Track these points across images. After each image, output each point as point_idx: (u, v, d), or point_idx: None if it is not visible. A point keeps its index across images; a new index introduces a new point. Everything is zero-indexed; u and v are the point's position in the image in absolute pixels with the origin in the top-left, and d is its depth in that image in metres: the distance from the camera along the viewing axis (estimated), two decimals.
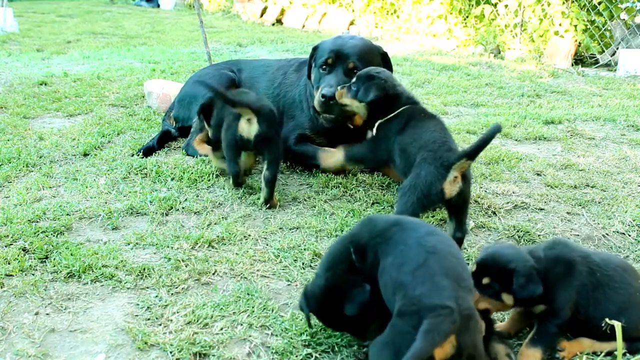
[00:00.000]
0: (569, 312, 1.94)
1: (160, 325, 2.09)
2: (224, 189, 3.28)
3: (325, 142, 3.57)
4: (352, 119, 3.41)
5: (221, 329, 2.07)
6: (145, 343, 1.98)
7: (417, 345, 1.49)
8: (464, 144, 4.14)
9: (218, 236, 2.73)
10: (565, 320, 1.94)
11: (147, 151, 3.81)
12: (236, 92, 3.53)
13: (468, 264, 2.32)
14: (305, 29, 11.56)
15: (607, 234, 2.88)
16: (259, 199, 3.13)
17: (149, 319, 2.13)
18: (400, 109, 2.90)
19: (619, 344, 1.80)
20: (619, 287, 1.97)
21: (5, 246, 2.58)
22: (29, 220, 2.82)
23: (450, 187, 2.48)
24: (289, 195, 3.23)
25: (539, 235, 2.84)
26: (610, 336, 1.89)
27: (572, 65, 7.71)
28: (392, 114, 2.89)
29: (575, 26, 7.76)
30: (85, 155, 3.77)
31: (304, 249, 2.63)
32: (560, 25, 7.86)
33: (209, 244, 2.67)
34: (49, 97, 5.25)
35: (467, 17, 9.26)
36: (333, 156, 3.38)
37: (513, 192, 3.32)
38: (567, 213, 3.09)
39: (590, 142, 4.32)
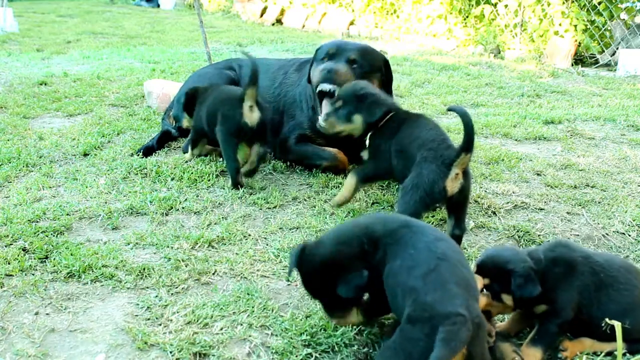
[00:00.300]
0: (571, 313, 1.94)
1: (160, 325, 2.09)
2: (224, 189, 3.28)
3: (325, 142, 3.57)
4: None
5: (221, 329, 2.07)
6: (145, 343, 1.98)
7: (438, 354, 1.48)
8: None
9: (218, 236, 2.73)
10: (566, 320, 1.94)
11: (147, 151, 3.81)
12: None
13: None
14: (305, 29, 11.57)
15: (607, 234, 2.88)
16: (259, 199, 3.13)
17: (149, 319, 2.13)
18: (388, 116, 2.87)
19: (619, 344, 1.80)
20: (623, 288, 1.97)
21: (5, 246, 2.58)
22: (29, 220, 2.82)
23: (452, 184, 2.48)
24: (289, 195, 3.23)
25: (539, 235, 2.84)
26: (611, 336, 1.89)
27: (572, 65, 7.71)
28: (382, 123, 2.85)
29: (575, 26, 7.76)
30: (85, 155, 3.78)
31: None
32: (560, 25, 7.86)
33: (209, 244, 2.67)
34: (49, 97, 5.25)
35: (467, 17, 9.26)
36: (347, 186, 3.02)
37: (513, 192, 3.32)
38: (567, 213, 3.09)
39: (590, 142, 4.32)
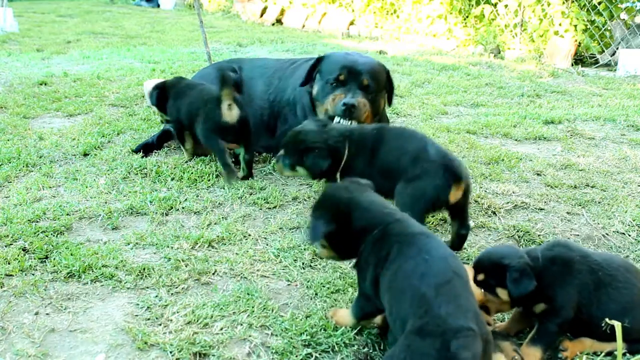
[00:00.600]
0: (571, 312, 1.94)
1: (160, 325, 2.09)
2: (224, 189, 3.28)
3: None
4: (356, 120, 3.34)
5: (221, 329, 2.07)
6: (145, 343, 1.98)
7: None
8: (464, 144, 4.14)
9: (218, 236, 2.73)
10: (566, 319, 1.94)
11: (146, 148, 3.82)
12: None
13: (467, 263, 2.33)
14: (305, 29, 11.56)
15: (607, 234, 2.88)
16: (259, 198, 3.13)
17: (149, 319, 2.13)
18: (346, 145, 2.68)
19: (619, 344, 1.80)
20: (622, 287, 1.96)
21: (5, 246, 2.58)
22: (29, 220, 2.82)
23: (456, 194, 2.50)
24: (289, 195, 3.23)
25: (539, 235, 2.84)
26: (611, 336, 1.89)
27: (572, 65, 7.71)
28: (346, 155, 2.68)
29: (575, 26, 7.76)
30: (85, 155, 3.78)
31: (304, 249, 2.63)
32: (560, 25, 7.86)
33: (209, 244, 2.67)
34: (49, 97, 5.25)
35: (467, 17, 9.26)
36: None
37: (513, 192, 3.32)
38: (567, 213, 3.09)
39: (590, 142, 4.32)
